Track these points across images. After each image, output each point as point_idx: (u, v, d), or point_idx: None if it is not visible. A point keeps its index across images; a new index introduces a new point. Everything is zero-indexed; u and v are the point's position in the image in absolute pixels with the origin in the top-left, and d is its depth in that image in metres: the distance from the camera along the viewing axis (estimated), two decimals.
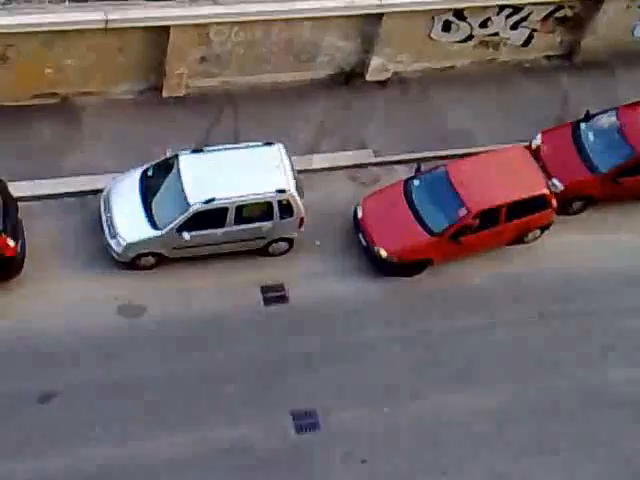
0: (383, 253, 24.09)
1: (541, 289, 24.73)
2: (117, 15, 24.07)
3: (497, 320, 24.18)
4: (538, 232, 25.21)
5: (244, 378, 22.64)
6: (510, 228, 24.55)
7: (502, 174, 24.36)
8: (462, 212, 23.94)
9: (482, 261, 24.86)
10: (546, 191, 24.60)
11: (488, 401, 23.14)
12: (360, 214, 24.53)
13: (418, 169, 24.87)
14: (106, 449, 21.45)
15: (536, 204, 24.55)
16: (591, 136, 25.89)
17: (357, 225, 24.59)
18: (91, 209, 23.85)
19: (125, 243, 23.08)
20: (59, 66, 24.56)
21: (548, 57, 28.35)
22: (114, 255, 23.36)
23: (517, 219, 24.44)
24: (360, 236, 24.47)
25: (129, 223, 23.18)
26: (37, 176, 23.96)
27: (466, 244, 24.21)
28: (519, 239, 25.10)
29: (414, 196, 24.46)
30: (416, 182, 24.63)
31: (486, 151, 25.28)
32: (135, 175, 23.72)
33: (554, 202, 24.73)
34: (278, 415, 22.34)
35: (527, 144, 26.12)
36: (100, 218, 23.49)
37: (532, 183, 24.57)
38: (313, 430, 22.33)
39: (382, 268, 24.32)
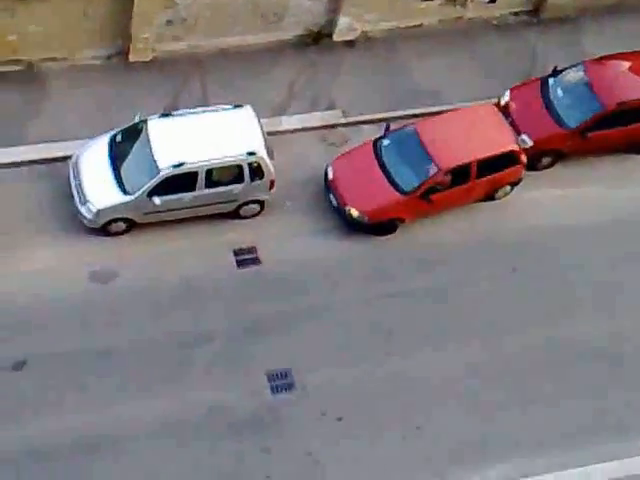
0: (354, 213, 24.13)
1: (513, 244, 24.82)
2: None
3: (471, 276, 24.30)
4: (508, 188, 25.30)
5: (218, 341, 22.71)
6: (480, 185, 24.64)
7: (471, 132, 24.42)
8: (432, 170, 23.98)
9: (454, 218, 24.96)
10: (515, 147, 24.66)
11: (462, 357, 23.28)
12: (331, 175, 24.53)
13: (387, 128, 24.87)
14: (82, 416, 21.49)
15: (505, 160, 24.63)
16: (559, 91, 25.93)
17: (328, 186, 24.61)
18: (60, 176, 23.75)
19: (95, 209, 23.02)
20: (22, 32, 24.36)
21: (515, 13, 28.26)
22: (85, 221, 23.30)
23: (487, 176, 24.51)
24: (331, 197, 24.50)
25: (99, 189, 23.12)
26: (4, 144, 23.83)
27: (437, 202, 24.27)
28: (489, 196, 25.21)
29: (384, 156, 24.48)
30: (386, 142, 24.64)
31: (455, 109, 25.32)
32: (104, 141, 23.62)
33: (523, 158, 24.82)
34: (254, 376, 22.43)
35: (496, 100, 26.20)
36: (70, 185, 23.40)
37: (501, 140, 24.62)
38: (288, 390, 22.45)
39: (354, 228, 24.36)
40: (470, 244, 24.78)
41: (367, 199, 24.18)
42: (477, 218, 25.19)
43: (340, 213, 24.37)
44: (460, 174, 24.18)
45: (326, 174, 24.64)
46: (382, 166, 24.38)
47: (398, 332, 23.38)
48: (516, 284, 24.38)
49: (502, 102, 26.10)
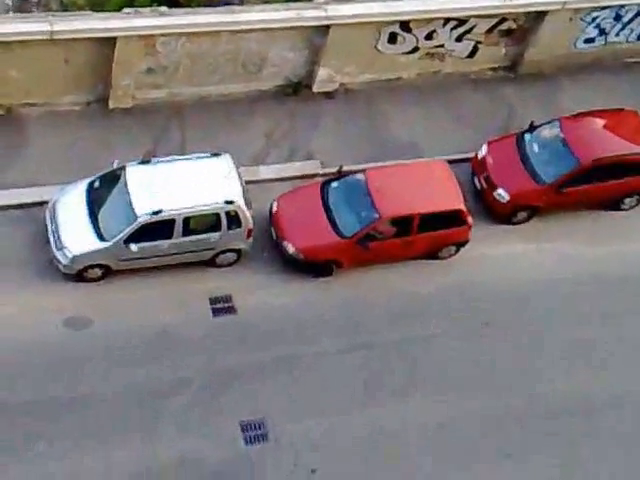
0: (290, 249, 24.12)
1: (487, 298, 24.89)
2: (62, 26, 23.98)
3: (445, 330, 24.32)
4: (453, 249, 25.23)
5: (192, 390, 22.57)
6: (421, 240, 24.54)
7: (420, 185, 24.50)
8: (373, 217, 24.00)
9: (428, 271, 25.05)
10: (462, 207, 24.62)
11: (434, 411, 23.25)
12: (275, 208, 24.54)
13: (339, 171, 24.94)
14: (53, 464, 21.24)
15: (450, 219, 24.59)
16: (535, 147, 26.19)
17: (270, 220, 24.58)
18: (37, 221, 23.67)
19: (71, 255, 22.93)
20: (3, 77, 24.35)
21: (493, 69, 28.62)
22: (61, 267, 23.20)
23: (429, 232, 24.46)
24: (272, 230, 24.48)
25: (75, 235, 23.05)
26: None
27: (375, 251, 24.25)
28: (433, 254, 25.13)
29: (330, 197, 24.54)
30: (334, 184, 24.75)
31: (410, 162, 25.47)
32: (81, 186, 23.59)
33: (469, 219, 24.75)
34: (227, 426, 22.29)
35: (473, 154, 26.44)
36: (46, 230, 23.33)
37: (448, 198, 24.60)
38: (262, 441, 22.30)
39: (289, 264, 24.29)
40: (444, 296, 24.81)
41: (305, 237, 24.15)
42: (452, 271, 25.26)
43: (278, 248, 24.31)
44: (401, 226, 24.15)
45: (271, 208, 24.65)
46: (326, 207, 24.42)
47: (373, 383, 23.33)
48: (488, 338, 24.38)
49: (479, 156, 26.35)
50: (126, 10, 24.66)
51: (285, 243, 24.21)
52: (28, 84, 24.67)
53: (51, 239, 23.19)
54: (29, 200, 23.98)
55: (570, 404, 23.75)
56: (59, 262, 23.13)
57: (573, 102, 27.49)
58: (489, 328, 24.51)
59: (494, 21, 27.47)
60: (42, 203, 23.76)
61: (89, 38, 24.38)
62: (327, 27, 25.99)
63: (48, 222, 23.35)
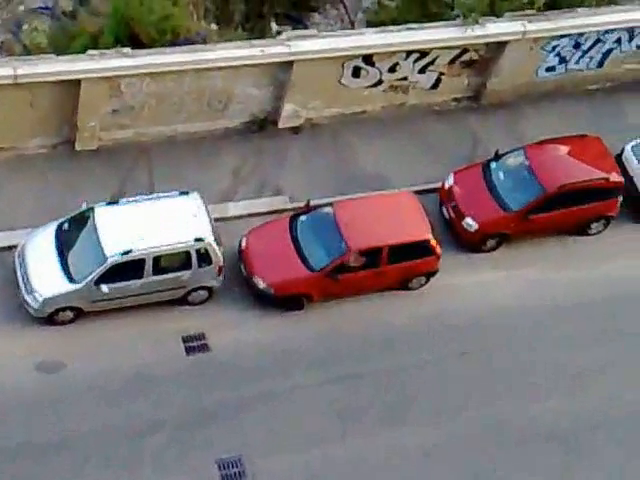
0: (261, 284, 24.14)
1: (460, 327, 24.96)
2: (26, 70, 23.98)
3: (420, 358, 24.36)
4: (423, 279, 25.32)
5: (168, 429, 22.45)
6: (391, 271, 24.62)
7: (387, 217, 24.62)
8: (342, 249, 24.06)
9: (401, 300, 25.12)
10: (429, 237, 24.74)
11: (415, 440, 23.24)
12: (243, 244, 24.58)
13: (307, 205, 25.08)
14: None
15: (419, 250, 24.69)
16: (501, 175, 26.38)
17: (240, 255, 24.59)
18: (6, 265, 23.56)
19: (42, 298, 22.81)
20: None
21: (456, 99, 28.85)
22: (31, 311, 23.06)
23: (399, 263, 24.55)
24: (241, 266, 24.49)
25: (45, 278, 22.95)
26: None
27: (345, 283, 24.30)
28: (404, 284, 25.22)
29: (298, 231, 24.62)
30: (302, 218, 24.84)
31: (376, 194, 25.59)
32: (50, 229, 23.52)
33: (438, 250, 24.87)
34: (204, 465, 22.15)
35: (440, 184, 26.60)
36: (15, 274, 23.21)
37: (416, 228, 24.74)
38: (240, 479, 22.15)
39: (260, 300, 24.31)
40: (417, 327, 24.85)
41: (275, 272, 24.19)
42: (423, 301, 25.33)
43: (248, 283, 24.33)
44: (370, 257, 24.23)
45: (240, 243, 24.66)
46: (295, 241, 24.47)
47: (350, 415, 23.30)
48: (464, 367, 24.45)
49: (446, 186, 26.50)
50: (90, 52, 24.68)
51: (255, 278, 24.21)
52: None
53: (21, 283, 23.07)
54: None
55: (548, 429, 23.82)
56: (29, 306, 23.00)
57: (536, 129, 27.75)
58: (465, 357, 24.54)
59: (456, 52, 27.71)
60: (10, 247, 23.67)
61: (54, 81, 24.38)
62: (291, 63, 26.15)
63: (17, 266, 23.24)
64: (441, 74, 28.03)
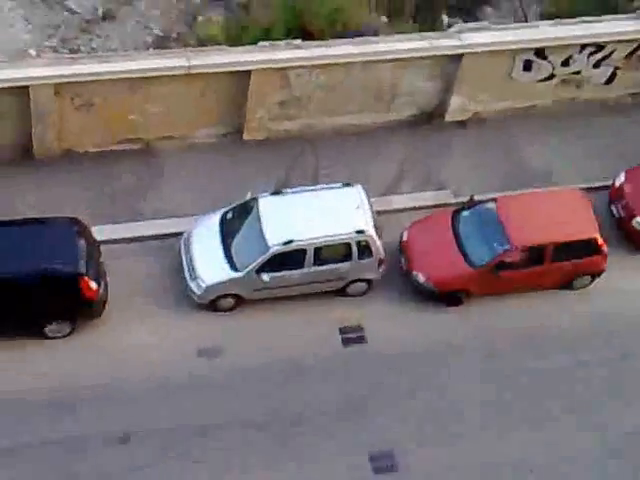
0: (421, 279, 23.96)
1: (624, 331, 24.23)
2: (199, 61, 24.58)
3: (582, 360, 23.85)
4: (587, 279, 24.58)
5: (323, 419, 22.66)
6: (555, 269, 24.04)
7: (553, 214, 24.01)
8: (505, 246, 23.64)
9: (560, 300, 24.59)
10: (596, 236, 24.02)
11: (571, 443, 22.83)
12: (405, 237, 24.45)
13: (470, 200, 24.71)
14: None
15: (585, 249, 24.02)
16: None
17: (400, 248, 24.49)
18: (172, 252, 24.25)
19: (205, 285, 23.36)
20: (143, 112, 25.10)
21: (633, 94, 27.96)
22: (194, 297, 23.65)
23: (563, 261, 23.94)
24: (402, 259, 24.38)
25: (209, 265, 23.46)
26: (119, 219, 24.48)
27: (507, 280, 23.89)
28: (567, 284, 24.57)
29: (460, 226, 24.32)
30: (465, 213, 24.50)
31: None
32: (215, 218, 24.05)
33: (605, 249, 24.12)
34: (355, 457, 22.29)
35: (610, 182, 25.86)
36: (180, 260, 23.89)
37: (582, 226, 24.05)
38: (391, 471, 22.21)
39: (419, 293, 24.16)
40: (578, 328, 24.20)
41: (436, 267, 23.98)
42: (585, 301, 24.64)
43: (408, 277, 24.21)
44: (534, 255, 23.71)
45: (401, 237, 24.55)
46: (456, 236, 24.19)
47: (507, 411, 22.97)
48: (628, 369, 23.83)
49: (617, 184, 25.77)
50: (261, 44, 25.12)
51: (415, 273, 24.16)
52: (165, 118, 25.34)
53: (185, 269, 23.69)
54: (165, 231, 24.59)
55: None
56: (192, 292, 23.60)
57: None
58: (627, 359, 23.90)
59: (633, 46, 26.88)
60: (177, 234, 24.32)
61: (225, 72, 24.91)
62: (460, 56, 25.91)
63: (182, 252, 23.89)
64: (616, 68, 27.22)
